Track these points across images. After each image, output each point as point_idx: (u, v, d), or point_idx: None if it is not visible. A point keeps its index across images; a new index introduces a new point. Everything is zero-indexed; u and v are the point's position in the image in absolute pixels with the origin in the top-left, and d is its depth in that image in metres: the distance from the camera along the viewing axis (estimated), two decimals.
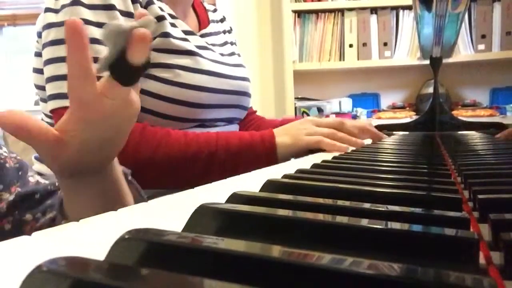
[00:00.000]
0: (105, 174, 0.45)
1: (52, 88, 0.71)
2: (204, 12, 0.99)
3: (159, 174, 0.72)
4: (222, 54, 0.92)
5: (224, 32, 1.01)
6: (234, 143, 0.75)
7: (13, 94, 2.69)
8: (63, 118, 0.39)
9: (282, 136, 0.78)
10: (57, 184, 0.55)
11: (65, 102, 0.69)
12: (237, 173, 0.75)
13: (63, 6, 0.71)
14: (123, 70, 0.37)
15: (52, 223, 0.52)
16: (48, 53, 0.71)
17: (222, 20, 1.04)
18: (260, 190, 0.35)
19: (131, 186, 0.52)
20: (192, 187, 0.81)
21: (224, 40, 0.98)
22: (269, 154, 0.76)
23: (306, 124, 0.81)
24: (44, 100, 0.78)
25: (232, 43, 1.02)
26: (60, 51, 0.70)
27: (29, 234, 0.23)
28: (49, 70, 0.71)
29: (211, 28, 0.95)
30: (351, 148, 0.81)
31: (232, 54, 0.97)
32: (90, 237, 0.25)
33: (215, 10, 1.03)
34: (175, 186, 0.77)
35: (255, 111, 1.12)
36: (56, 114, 0.71)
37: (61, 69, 0.69)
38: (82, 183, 0.43)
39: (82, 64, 0.36)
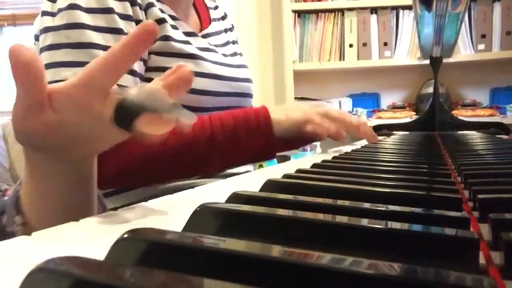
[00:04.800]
0: (80, 166, 0.41)
1: None
2: (205, 10, 0.97)
3: (159, 168, 0.71)
4: (224, 55, 0.90)
5: (226, 30, 1.00)
6: (229, 122, 0.73)
7: (13, 94, 2.69)
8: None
9: (276, 113, 0.76)
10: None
11: None
12: (238, 152, 0.75)
13: (60, 10, 0.69)
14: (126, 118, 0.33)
15: None
16: (46, 57, 0.70)
17: (224, 17, 1.03)
18: (260, 190, 0.35)
19: (98, 204, 0.47)
20: (196, 175, 0.79)
21: (226, 40, 0.97)
22: (265, 129, 0.74)
23: (302, 105, 0.81)
24: None
25: (234, 42, 1.01)
26: (58, 55, 0.68)
27: None
28: (47, 75, 0.69)
29: (212, 27, 0.94)
30: (350, 148, 0.81)
31: (234, 54, 0.96)
32: (90, 237, 0.25)
33: (216, 7, 1.01)
34: (179, 177, 0.76)
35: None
36: None
37: (59, 74, 0.68)
38: (53, 165, 0.39)
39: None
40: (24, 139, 0.37)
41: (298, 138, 0.81)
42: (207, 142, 0.71)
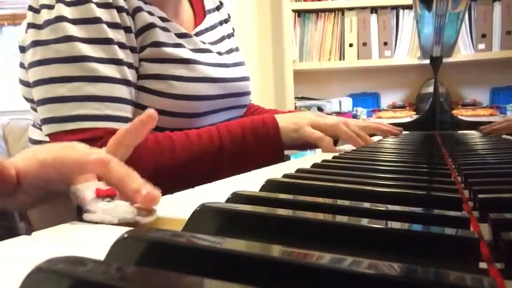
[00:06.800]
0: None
1: (45, 112, 0.67)
2: (200, 2, 0.94)
3: (169, 180, 0.70)
4: (219, 53, 0.88)
5: (221, 23, 0.96)
6: (236, 131, 0.72)
7: (12, 94, 2.70)
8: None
9: (285, 122, 0.76)
10: None
11: (61, 126, 0.66)
12: (246, 161, 0.74)
13: (47, 22, 0.66)
14: None
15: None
16: (37, 73, 0.67)
17: (219, 7, 0.99)
18: (260, 190, 0.35)
19: None
20: (206, 183, 0.79)
21: (221, 35, 0.93)
22: (273, 138, 0.74)
23: (309, 115, 0.80)
24: (35, 110, 0.73)
25: (229, 36, 0.97)
26: (49, 71, 0.66)
27: None
28: (40, 92, 0.67)
29: (207, 21, 0.91)
30: (350, 148, 0.81)
31: (230, 51, 0.93)
32: (90, 237, 0.25)
33: None
34: (189, 186, 0.76)
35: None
36: (54, 138, 0.67)
37: (53, 90, 0.66)
38: (46, 208, 0.40)
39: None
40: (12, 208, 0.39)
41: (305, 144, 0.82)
42: (216, 153, 0.70)
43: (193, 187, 0.77)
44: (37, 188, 0.35)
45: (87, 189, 0.31)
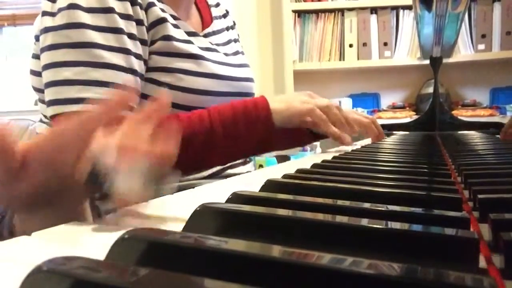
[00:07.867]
0: (65, 205, 0.39)
1: (51, 94, 0.69)
2: (207, 8, 0.96)
3: None
4: (226, 54, 0.90)
5: (227, 28, 0.99)
6: (227, 114, 0.73)
7: (13, 94, 2.70)
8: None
9: (276, 102, 0.77)
10: None
11: (64, 108, 0.68)
12: (237, 145, 0.75)
13: (60, 10, 0.69)
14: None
15: None
16: (46, 58, 0.70)
17: (225, 15, 1.02)
18: (260, 190, 0.35)
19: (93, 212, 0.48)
20: (198, 169, 0.79)
21: (227, 39, 0.96)
22: (264, 120, 0.74)
23: (302, 95, 0.81)
24: (43, 102, 0.76)
25: (235, 40, 1.00)
26: (58, 55, 0.68)
27: None
28: (48, 75, 0.70)
29: (214, 26, 0.93)
30: (350, 148, 0.81)
31: (236, 53, 0.95)
32: (90, 237, 0.25)
33: (217, 5, 1.01)
34: (181, 172, 0.76)
35: None
36: (56, 120, 0.69)
37: (60, 74, 0.68)
38: (39, 215, 0.38)
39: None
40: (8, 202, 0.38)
41: (300, 131, 0.81)
42: (206, 135, 0.71)
43: (184, 170, 0.77)
44: (43, 169, 0.34)
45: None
